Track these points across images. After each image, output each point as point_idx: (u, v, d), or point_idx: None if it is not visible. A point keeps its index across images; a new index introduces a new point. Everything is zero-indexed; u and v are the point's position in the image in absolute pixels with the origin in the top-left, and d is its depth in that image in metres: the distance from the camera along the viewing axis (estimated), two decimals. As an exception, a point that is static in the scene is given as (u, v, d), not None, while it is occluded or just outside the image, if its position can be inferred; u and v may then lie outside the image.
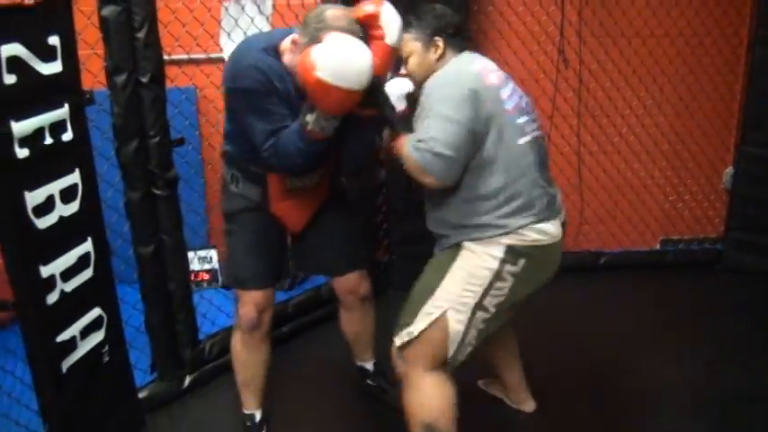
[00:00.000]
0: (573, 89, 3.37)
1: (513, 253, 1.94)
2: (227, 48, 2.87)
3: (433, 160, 1.86)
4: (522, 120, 1.97)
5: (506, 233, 1.93)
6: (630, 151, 3.48)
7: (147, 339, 2.63)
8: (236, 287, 2.30)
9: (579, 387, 2.68)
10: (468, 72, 1.97)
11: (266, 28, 2.83)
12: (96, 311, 2.29)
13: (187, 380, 2.71)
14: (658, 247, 3.68)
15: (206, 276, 3.39)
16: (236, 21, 2.73)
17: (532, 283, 2.03)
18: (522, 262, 1.94)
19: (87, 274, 2.23)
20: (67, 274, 2.14)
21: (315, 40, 1.87)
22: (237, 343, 2.35)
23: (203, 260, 3.37)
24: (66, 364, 2.16)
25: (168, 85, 2.45)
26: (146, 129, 2.41)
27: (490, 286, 1.95)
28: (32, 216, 2.00)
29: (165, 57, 2.44)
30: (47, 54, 1.99)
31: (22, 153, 1.93)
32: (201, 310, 2.88)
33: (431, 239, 3.24)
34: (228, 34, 2.82)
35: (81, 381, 2.22)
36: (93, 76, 2.30)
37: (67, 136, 2.11)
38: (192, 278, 3.48)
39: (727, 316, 3.17)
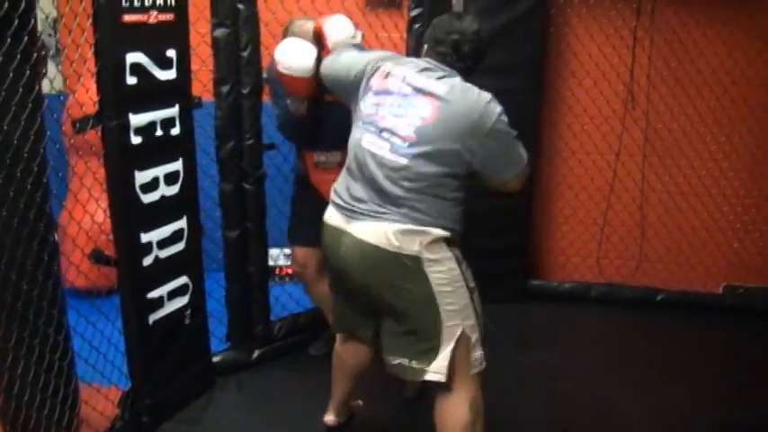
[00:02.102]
0: (640, 129, 3.55)
1: None
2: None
3: None
4: (372, 129, 2.13)
5: None
6: (693, 193, 3.58)
7: (225, 312, 3.06)
8: (288, 240, 3.02)
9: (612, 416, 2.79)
10: (380, 57, 2.25)
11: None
12: (183, 279, 2.74)
13: (256, 353, 3.09)
14: (721, 291, 3.72)
15: (290, 271, 3.80)
16: (327, 47, 3.17)
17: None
18: None
19: (180, 246, 2.69)
20: (163, 244, 2.60)
21: None
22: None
23: (288, 257, 3.78)
24: (153, 317, 2.61)
25: (266, 99, 2.90)
26: (242, 132, 2.85)
27: None
28: (139, 191, 2.48)
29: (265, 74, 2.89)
30: (164, 63, 2.48)
31: (136, 140, 2.43)
32: (282, 299, 3.32)
33: (488, 255, 3.47)
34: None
35: (163, 334, 2.66)
36: (203, 86, 2.77)
37: (175, 131, 2.59)
38: (278, 272, 3.95)
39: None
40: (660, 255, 3.72)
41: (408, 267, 2.05)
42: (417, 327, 2.11)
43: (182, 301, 2.75)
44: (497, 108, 2.07)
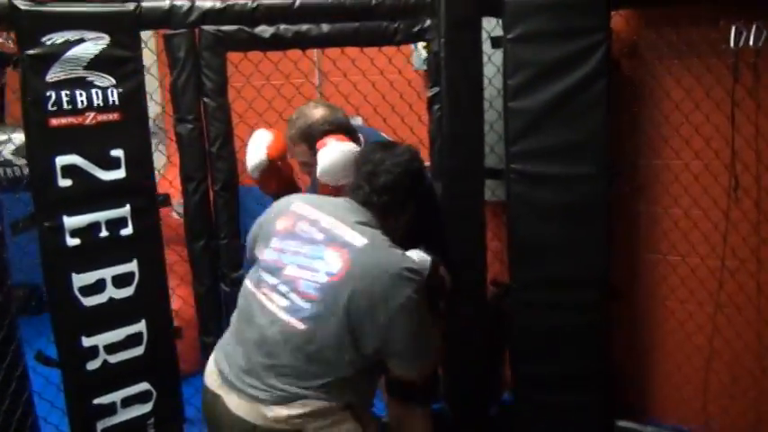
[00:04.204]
0: (751, 224, 2.59)
1: None
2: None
3: None
4: (271, 280, 1.89)
5: None
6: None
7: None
8: None
9: None
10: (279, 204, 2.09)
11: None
12: (144, 385, 2.59)
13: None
14: None
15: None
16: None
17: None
18: None
19: (137, 351, 2.56)
20: (113, 348, 2.50)
21: None
22: None
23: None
24: (102, 425, 2.51)
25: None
26: (216, 231, 2.69)
27: None
28: (78, 294, 2.42)
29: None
30: (108, 163, 2.43)
31: (73, 242, 2.39)
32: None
33: (559, 385, 2.78)
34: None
35: (118, 445, 2.54)
36: (169, 183, 2.68)
37: (127, 231, 2.50)
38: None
39: None
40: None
41: None
42: None
43: (141, 408, 2.60)
44: (414, 283, 1.78)
